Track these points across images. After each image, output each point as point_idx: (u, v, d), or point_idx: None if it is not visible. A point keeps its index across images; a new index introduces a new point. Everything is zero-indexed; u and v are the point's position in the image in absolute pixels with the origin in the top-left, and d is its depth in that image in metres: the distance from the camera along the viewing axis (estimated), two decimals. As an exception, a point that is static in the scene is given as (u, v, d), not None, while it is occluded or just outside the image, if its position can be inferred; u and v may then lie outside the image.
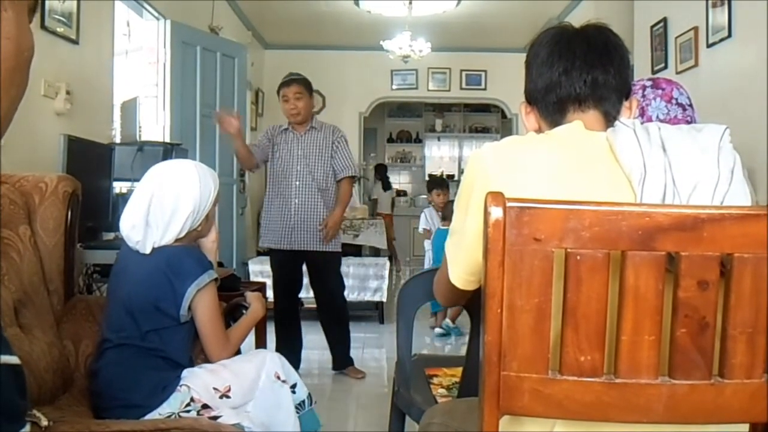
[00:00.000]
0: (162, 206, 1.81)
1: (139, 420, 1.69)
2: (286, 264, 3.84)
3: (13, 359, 0.62)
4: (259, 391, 1.86)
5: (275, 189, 3.82)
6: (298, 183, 3.76)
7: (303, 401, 1.95)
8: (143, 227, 1.81)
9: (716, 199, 0.99)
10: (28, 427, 0.63)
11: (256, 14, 7.35)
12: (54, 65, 3.32)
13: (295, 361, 3.80)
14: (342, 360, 3.98)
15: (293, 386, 1.93)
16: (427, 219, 5.71)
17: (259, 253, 6.98)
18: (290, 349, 3.81)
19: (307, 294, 4.11)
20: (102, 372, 1.79)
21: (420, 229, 5.78)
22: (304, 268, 3.93)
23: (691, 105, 1.82)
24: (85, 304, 2.05)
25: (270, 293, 3.92)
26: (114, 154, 3.37)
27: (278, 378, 1.88)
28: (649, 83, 1.85)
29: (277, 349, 3.75)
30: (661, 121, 1.79)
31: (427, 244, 5.68)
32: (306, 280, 3.99)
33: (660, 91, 1.82)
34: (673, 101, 1.80)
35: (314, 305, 4.06)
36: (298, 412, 1.90)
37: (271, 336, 3.50)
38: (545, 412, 0.94)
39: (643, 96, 1.83)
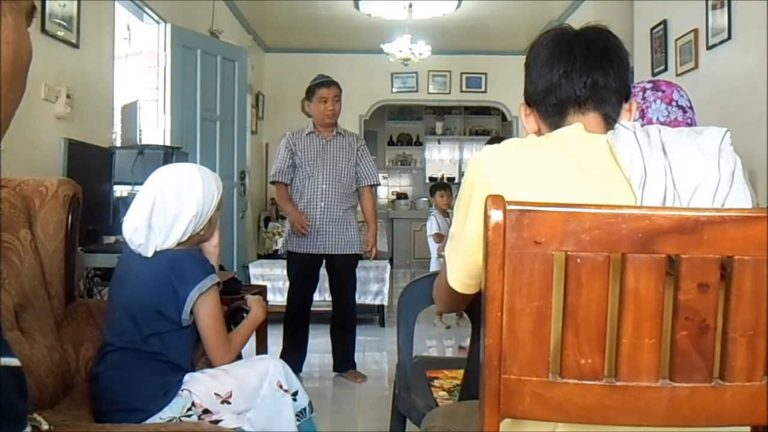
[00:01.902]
0: (165, 209, 1.81)
1: (140, 424, 1.69)
2: (306, 267, 3.86)
3: (14, 361, 0.62)
4: (261, 399, 1.86)
5: (300, 192, 3.84)
6: (324, 186, 3.78)
7: (303, 409, 1.94)
8: (146, 230, 1.81)
9: (717, 201, 0.99)
10: (29, 428, 0.63)
11: (256, 18, 7.36)
12: (54, 69, 3.32)
13: (298, 364, 3.81)
14: (345, 361, 3.98)
15: (294, 394, 1.92)
16: (438, 223, 5.62)
17: (260, 257, 6.99)
18: (296, 352, 3.82)
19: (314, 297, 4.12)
20: (103, 376, 1.79)
21: (430, 234, 5.65)
22: (321, 273, 3.95)
23: (691, 107, 1.82)
24: (86, 307, 2.05)
25: (270, 296, 3.93)
26: (114, 158, 3.38)
27: (281, 387, 1.88)
28: (649, 85, 1.85)
29: (284, 352, 3.77)
30: (661, 123, 1.79)
31: (434, 249, 5.59)
32: (319, 284, 4.01)
33: (660, 93, 1.82)
34: (674, 103, 1.80)
35: (318, 309, 4.07)
36: (298, 420, 1.90)
37: (272, 339, 3.50)
38: (546, 415, 0.94)
39: (644, 98, 1.83)
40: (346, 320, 3.94)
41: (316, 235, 3.78)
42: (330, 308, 4.04)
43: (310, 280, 3.90)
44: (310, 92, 3.85)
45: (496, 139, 5.84)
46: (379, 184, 4.12)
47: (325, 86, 3.81)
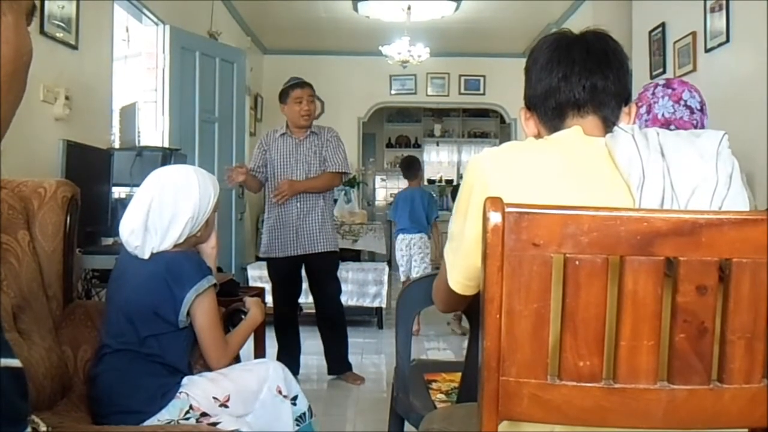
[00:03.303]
0: (161, 211, 1.81)
1: (138, 426, 1.69)
2: (285, 271, 3.84)
3: (15, 362, 0.62)
4: (260, 403, 1.85)
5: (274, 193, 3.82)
6: None
7: (303, 414, 1.94)
8: (142, 232, 1.81)
9: (714, 204, 1.00)
10: (29, 429, 0.63)
11: (255, 19, 7.35)
12: (53, 70, 3.32)
13: (294, 366, 3.80)
14: (338, 364, 3.97)
15: (294, 398, 1.92)
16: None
17: (258, 259, 6.98)
18: (290, 354, 3.81)
19: (305, 299, 4.11)
20: (101, 377, 1.79)
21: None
22: (303, 274, 3.93)
23: (701, 110, 1.82)
24: (84, 309, 2.04)
25: (269, 298, 3.93)
26: (113, 160, 3.37)
27: (280, 392, 1.88)
28: (662, 82, 1.86)
29: (279, 355, 3.76)
30: (666, 119, 1.80)
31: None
32: (305, 285, 4.00)
33: (670, 91, 1.83)
34: (682, 102, 1.81)
35: (313, 310, 4.07)
36: (297, 425, 1.90)
37: (270, 342, 3.49)
38: (544, 417, 0.94)
39: (653, 93, 1.84)
40: (333, 320, 3.90)
41: (295, 237, 3.75)
42: (323, 310, 4.03)
43: (292, 282, 3.88)
44: (284, 94, 3.82)
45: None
46: (347, 173, 3.95)
47: (299, 87, 3.79)
